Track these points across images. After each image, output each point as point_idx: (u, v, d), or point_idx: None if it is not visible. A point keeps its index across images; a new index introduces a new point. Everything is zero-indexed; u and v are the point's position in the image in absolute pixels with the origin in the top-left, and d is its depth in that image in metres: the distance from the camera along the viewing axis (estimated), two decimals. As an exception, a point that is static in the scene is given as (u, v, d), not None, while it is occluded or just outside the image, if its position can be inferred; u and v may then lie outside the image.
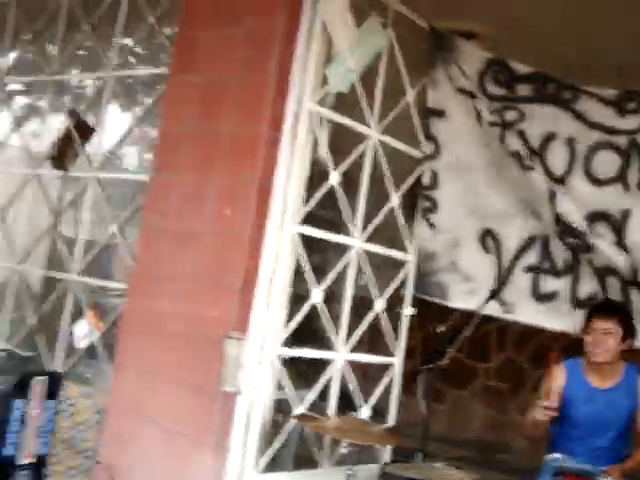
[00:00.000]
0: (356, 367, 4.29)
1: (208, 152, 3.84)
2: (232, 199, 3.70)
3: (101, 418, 3.82)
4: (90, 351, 4.34)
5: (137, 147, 4.87)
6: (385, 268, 4.58)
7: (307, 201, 3.88)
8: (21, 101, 5.50)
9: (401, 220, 4.52)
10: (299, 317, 3.86)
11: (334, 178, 4.01)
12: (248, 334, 3.60)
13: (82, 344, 4.38)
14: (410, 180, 4.60)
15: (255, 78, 3.75)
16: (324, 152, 3.97)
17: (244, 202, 3.66)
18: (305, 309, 3.89)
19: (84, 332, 4.39)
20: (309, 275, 3.89)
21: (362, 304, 4.39)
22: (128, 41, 4.67)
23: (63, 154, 4.81)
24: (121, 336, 4.01)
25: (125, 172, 4.88)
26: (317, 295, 3.93)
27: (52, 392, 3.00)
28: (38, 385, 2.97)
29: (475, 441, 8.67)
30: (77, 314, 4.49)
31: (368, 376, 4.50)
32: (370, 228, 4.29)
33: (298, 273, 3.90)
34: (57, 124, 4.94)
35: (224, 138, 3.79)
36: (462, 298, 4.64)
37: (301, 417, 3.66)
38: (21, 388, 2.91)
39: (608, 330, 3.99)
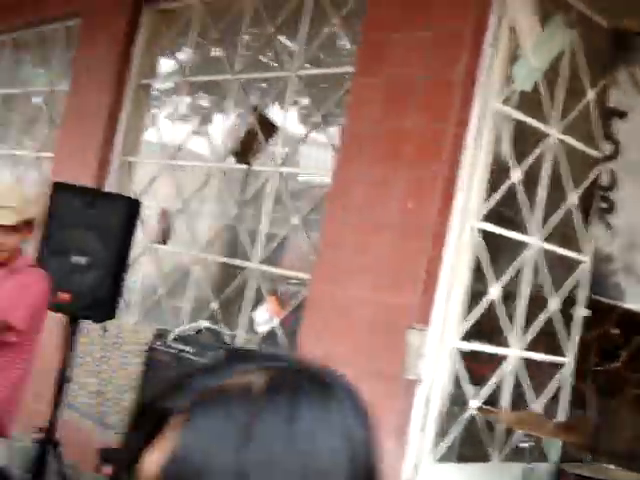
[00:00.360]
0: (528, 364, 4.33)
1: (393, 149, 3.97)
2: (417, 193, 3.82)
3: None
4: (270, 337, 4.57)
5: (318, 144, 5.06)
6: (559, 268, 4.59)
7: (488, 198, 3.96)
8: (206, 99, 5.82)
9: (578, 220, 4.52)
10: (477, 312, 3.94)
11: (516, 176, 4.06)
12: (429, 325, 3.71)
13: (262, 329, 4.60)
14: (588, 180, 4.59)
15: (442, 78, 3.86)
16: (507, 150, 4.03)
17: (429, 196, 3.77)
18: (483, 304, 3.97)
19: (264, 318, 4.61)
20: (488, 271, 3.96)
21: (535, 302, 4.42)
22: (312, 41, 4.87)
23: (247, 149, 5.07)
24: (304, 322, 4.20)
25: (306, 169, 5.08)
26: (495, 291, 4.00)
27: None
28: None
29: (626, 452, 8.45)
30: (257, 300, 4.73)
31: (539, 373, 4.52)
32: (548, 227, 4.32)
33: (475, 269, 3.98)
34: (241, 121, 5.21)
35: (409, 135, 3.92)
36: (638, 300, 4.58)
37: (480, 409, 3.74)
38: (231, 362, 3.15)
39: None
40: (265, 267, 4.77)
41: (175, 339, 3.25)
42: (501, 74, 3.92)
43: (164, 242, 5.62)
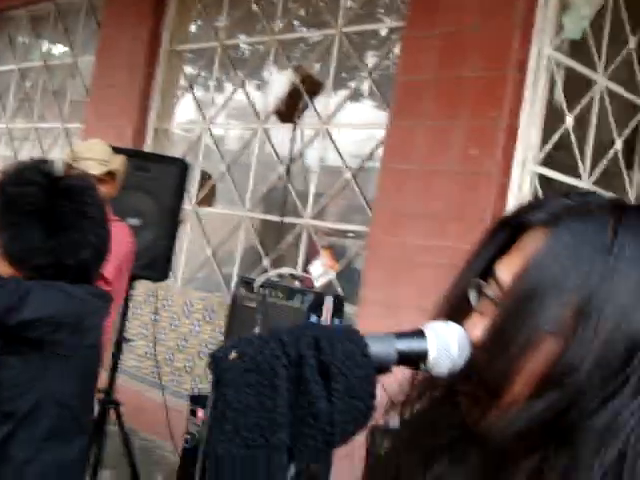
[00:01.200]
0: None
1: (451, 97, 4.07)
2: (479, 140, 3.92)
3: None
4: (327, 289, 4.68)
5: (365, 100, 5.14)
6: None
7: (544, 144, 4.07)
8: (246, 60, 5.88)
9: (622, 166, 4.65)
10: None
11: (569, 121, 4.18)
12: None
13: (319, 283, 4.71)
14: (631, 126, 4.71)
15: (498, 26, 3.95)
16: (560, 96, 4.14)
17: (491, 142, 3.88)
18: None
19: (320, 272, 4.72)
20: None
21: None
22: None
23: (291, 108, 5.15)
24: (366, 272, 4.31)
25: (356, 124, 5.16)
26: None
27: (338, 311, 3.33)
28: (329, 304, 3.30)
29: None
30: (312, 255, 4.84)
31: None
32: (596, 172, 4.45)
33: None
34: (284, 80, 5.28)
35: (468, 83, 4.02)
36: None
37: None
38: (316, 306, 3.25)
39: None
40: (317, 222, 4.88)
41: (261, 286, 3.35)
42: (553, 21, 4.02)
43: (209, 205, 5.72)
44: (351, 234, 4.89)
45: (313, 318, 3.27)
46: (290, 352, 0.79)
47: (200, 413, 3.32)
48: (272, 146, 5.30)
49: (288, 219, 5.00)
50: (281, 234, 5.07)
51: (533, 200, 0.92)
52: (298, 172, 5.18)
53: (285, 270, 3.67)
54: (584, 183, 4.37)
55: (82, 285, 2.23)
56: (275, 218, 5.06)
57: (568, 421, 0.81)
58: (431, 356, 0.85)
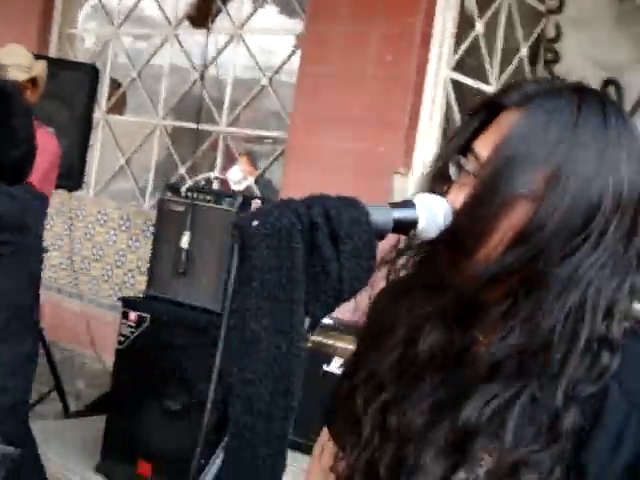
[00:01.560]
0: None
1: (367, 2, 4.13)
2: (394, 45, 4.02)
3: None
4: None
5: (280, 4, 5.11)
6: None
7: (456, 49, 4.21)
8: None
9: (528, 71, 4.84)
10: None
11: (479, 27, 4.32)
12: (412, 169, 4.00)
13: (238, 188, 4.78)
14: (536, 33, 4.89)
15: None
16: (471, 2, 4.27)
17: (407, 48, 3.98)
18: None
19: (238, 178, 4.79)
20: (456, 118, 4.26)
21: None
22: None
23: (203, 13, 5.10)
24: (285, 177, 4.41)
25: (271, 30, 5.14)
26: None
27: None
28: (257, 206, 3.39)
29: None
30: (229, 162, 4.90)
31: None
32: (503, 77, 4.62)
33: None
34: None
35: (383, -11, 4.08)
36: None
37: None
38: (245, 208, 3.34)
39: None
40: (233, 129, 4.92)
41: (188, 190, 3.41)
42: None
43: (120, 113, 5.66)
44: (268, 140, 4.95)
45: (241, 220, 3.36)
46: (304, 220, 0.90)
47: (132, 315, 3.40)
48: (184, 52, 5.25)
49: (204, 126, 5.02)
50: (197, 142, 5.09)
51: (508, 84, 1.04)
52: (212, 79, 5.17)
53: (213, 174, 3.73)
54: (492, 88, 4.54)
55: (19, 186, 2.25)
56: (190, 125, 5.07)
57: (535, 271, 0.95)
58: (420, 224, 0.98)
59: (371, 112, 4.07)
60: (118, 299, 3.58)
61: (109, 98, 5.65)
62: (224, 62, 5.04)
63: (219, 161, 4.96)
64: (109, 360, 4.71)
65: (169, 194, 3.48)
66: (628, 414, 0.91)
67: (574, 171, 0.94)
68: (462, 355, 1.02)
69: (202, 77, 5.06)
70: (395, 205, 0.97)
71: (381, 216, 0.94)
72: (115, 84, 5.68)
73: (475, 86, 4.45)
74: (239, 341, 0.89)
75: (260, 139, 5.03)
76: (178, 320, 3.36)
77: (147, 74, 5.52)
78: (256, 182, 4.80)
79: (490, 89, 4.52)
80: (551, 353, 0.93)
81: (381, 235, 0.95)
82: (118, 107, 5.68)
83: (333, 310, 0.94)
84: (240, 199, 3.35)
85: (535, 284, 0.95)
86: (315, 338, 3.58)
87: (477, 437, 0.94)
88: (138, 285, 5.28)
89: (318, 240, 0.89)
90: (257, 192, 4.72)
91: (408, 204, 0.98)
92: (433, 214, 0.98)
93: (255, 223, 0.89)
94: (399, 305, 1.08)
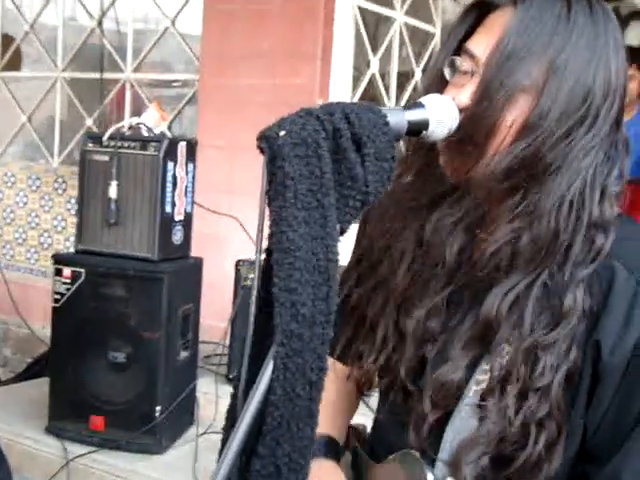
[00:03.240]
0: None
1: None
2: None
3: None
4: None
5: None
6: (417, 40, 4.98)
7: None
8: None
9: (429, -6, 4.89)
10: (362, 85, 4.28)
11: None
12: (330, 99, 4.01)
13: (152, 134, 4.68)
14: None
15: None
16: None
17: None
18: (365, 80, 4.32)
19: (153, 123, 4.68)
20: (367, 44, 4.28)
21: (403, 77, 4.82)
22: None
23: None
24: (200, 117, 4.35)
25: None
26: (375, 65, 4.34)
27: (191, 155, 3.37)
28: (182, 149, 3.33)
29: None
30: (139, 110, 4.78)
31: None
32: (407, 3, 4.66)
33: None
34: None
35: None
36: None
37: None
38: (171, 152, 3.28)
39: None
40: (139, 75, 4.80)
41: (111, 138, 3.33)
42: None
43: (16, 69, 5.43)
44: (177, 83, 4.86)
45: (169, 165, 3.31)
46: (327, 127, 0.91)
47: (66, 271, 3.32)
48: (79, 1, 5.07)
49: (107, 75, 4.87)
50: (102, 92, 4.95)
51: None
52: (112, 25, 5.01)
53: (135, 120, 3.63)
54: (398, 14, 4.57)
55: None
56: (93, 76, 4.91)
57: (539, 162, 0.99)
58: (431, 125, 1.00)
59: (283, 46, 4.05)
60: (52, 257, 3.48)
61: (2, 55, 5.41)
62: (123, 6, 4.88)
63: (128, 109, 4.84)
64: (36, 324, 4.62)
65: (90, 145, 3.39)
66: (636, 292, 0.97)
67: (570, 61, 0.98)
68: (472, 255, 1.05)
69: (100, 23, 4.90)
70: (407, 107, 0.99)
71: (396, 118, 0.96)
72: (7, 39, 5.44)
73: (383, 13, 4.48)
74: (279, 252, 0.90)
75: (168, 83, 4.93)
76: (115, 272, 3.31)
77: (42, 27, 5.31)
78: (169, 127, 4.72)
79: (397, 15, 4.55)
80: (558, 239, 0.98)
81: (397, 137, 0.97)
82: (13, 63, 5.45)
83: (359, 215, 0.96)
84: (166, 143, 3.30)
85: (540, 175, 0.99)
86: (253, 276, 3.59)
87: (499, 328, 0.98)
88: (56, 245, 5.16)
89: (342, 145, 0.90)
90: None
91: (418, 105, 1.00)
92: (442, 114, 1.00)
93: (282, 133, 0.89)
94: (406, 215, 1.10)
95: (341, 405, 1.24)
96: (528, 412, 0.95)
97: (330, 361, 1.24)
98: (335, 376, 1.22)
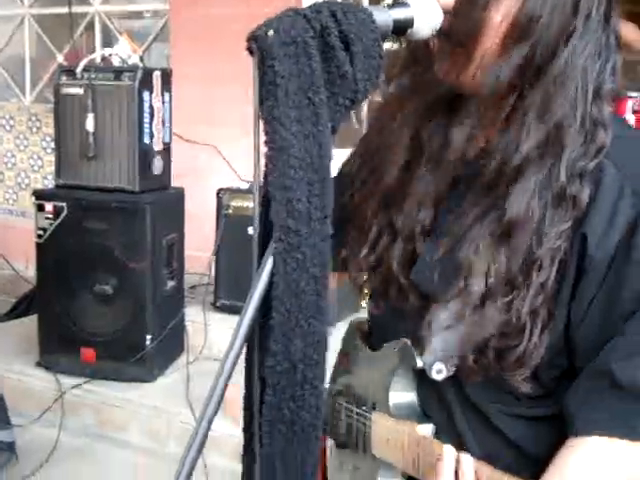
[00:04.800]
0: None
1: None
2: None
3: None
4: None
5: None
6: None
7: None
8: None
9: None
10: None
11: None
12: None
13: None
14: None
15: None
16: None
17: None
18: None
19: (125, 54, 4.62)
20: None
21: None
22: None
23: None
24: (173, 49, 4.31)
25: None
26: (348, -14, 4.29)
27: (166, 84, 3.34)
28: (157, 78, 3.30)
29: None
30: (109, 43, 4.72)
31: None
32: None
33: None
34: None
35: None
36: None
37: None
38: (146, 81, 3.25)
39: None
40: (109, 7, 4.73)
41: (85, 70, 3.29)
42: None
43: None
44: (148, 14, 4.79)
45: (145, 94, 3.29)
46: (315, 25, 0.92)
47: (48, 207, 3.32)
48: None
49: (76, 9, 4.78)
50: (72, 27, 4.86)
51: None
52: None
53: (107, 50, 3.59)
54: None
55: None
56: (61, 10, 4.82)
57: (534, 65, 1.00)
58: (416, 23, 1.01)
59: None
60: (33, 193, 3.47)
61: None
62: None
63: (98, 44, 4.77)
64: (18, 265, 4.63)
65: (64, 78, 3.36)
66: (621, 186, 0.99)
67: None
68: (466, 151, 1.06)
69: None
70: (392, 6, 1.00)
71: (381, 17, 0.97)
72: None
73: None
74: (272, 150, 0.91)
75: (139, 14, 4.86)
76: (97, 204, 3.32)
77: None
78: (141, 59, 4.65)
79: None
80: (561, 138, 0.99)
81: (384, 36, 0.98)
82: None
83: (349, 113, 0.97)
84: (141, 72, 3.27)
85: (535, 78, 1.00)
86: (236, 204, 3.62)
87: (524, 228, 0.98)
88: (34, 184, 5.13)
89: (331, 43, 0.91)
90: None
91: (402, 4, 1.00)
92: (426, 11, 1.01)
93: (271, 33, 0.90)
94: (401, 112, 1.11)
95: None
96: (526, 305, 0.97)
97: None
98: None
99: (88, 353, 3.37)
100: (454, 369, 1.02)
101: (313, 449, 1.05)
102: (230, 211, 3.64)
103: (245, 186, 3.66)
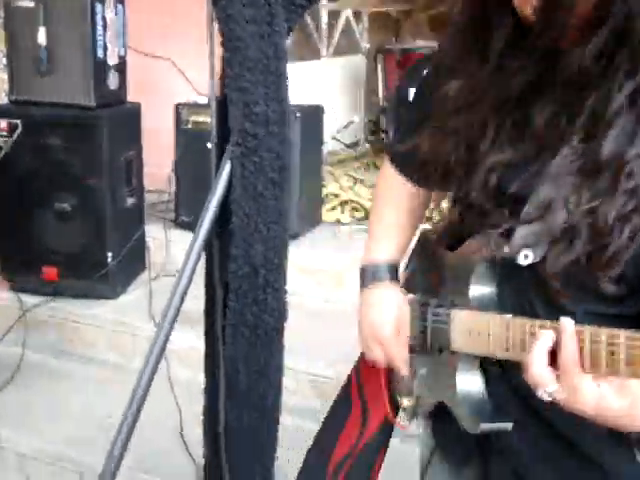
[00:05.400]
0: None
1: None
2: None
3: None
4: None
5: None
6: None
7: None
8: None
9: None
10: None
11: None
12: None
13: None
14: None
15: None
16: None
17: None
18: None
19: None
20: None
21: None
22: None
23: None
24: None
25: None
26: None
27: (121, -2, 3.26)
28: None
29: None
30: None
31: None
32: None
33: None
34: None
35: None
36: None
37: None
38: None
39: None
40: None
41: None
42: None
43: None
44: None
45: (97, 6, 3.19)
46: None
47: (2, 124, 3.25)
48: None
49: None
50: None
51: None
52: None
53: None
54: None
55: None
56: None
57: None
58: None
59: None
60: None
61: None
62: None
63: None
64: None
65: (8, -9, 3.24)
66: None
67: None
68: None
69: None
70: None
71: None
72: None
73: None
74: (228, 51, 0.90)
75: None
76: (53, 120, 3.25)
77: None
78: None
79: None
80: None
81: None
82: None
83: (304, 14, 0.96)
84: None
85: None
86: (195, 119, 3.58)
87: (623, 170, 0.96)
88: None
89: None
90: None
91: None
92: None
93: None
94: (473, 59, 1.08)
95: (403, 222, 1.30)
96: (613, 211, 0.95)
97: (389, 180, 1.28)
98: (392, 195, 1.26)
99: (50, 272, 3.36)
100: (542, 255, 1.01)
101: (276, 351, 1.07)
102: (189, 126, 3.59)
103: (204, 100, 3.61)
